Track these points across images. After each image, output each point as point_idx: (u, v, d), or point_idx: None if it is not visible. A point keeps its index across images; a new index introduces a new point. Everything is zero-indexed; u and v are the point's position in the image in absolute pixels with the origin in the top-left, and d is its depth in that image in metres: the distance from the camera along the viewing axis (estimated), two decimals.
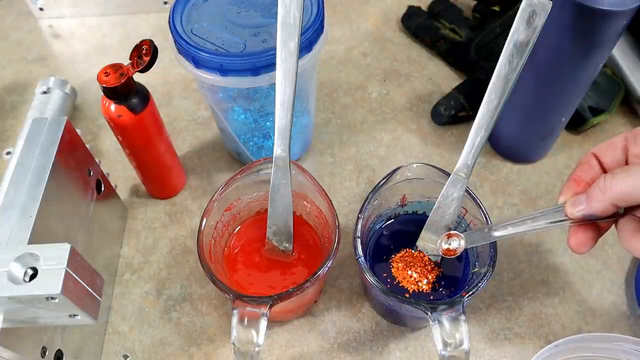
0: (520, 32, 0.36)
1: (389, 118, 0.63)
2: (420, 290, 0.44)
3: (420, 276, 0.45)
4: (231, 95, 0.49)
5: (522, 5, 0.35)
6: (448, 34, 0.67)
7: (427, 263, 0.45)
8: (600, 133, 0.60)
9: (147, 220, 0.55)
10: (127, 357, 0.46)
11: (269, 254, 0.47)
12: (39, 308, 0.31)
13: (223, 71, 0.43)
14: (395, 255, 0.46)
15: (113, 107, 0.45)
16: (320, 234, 0.47)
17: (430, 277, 0.45)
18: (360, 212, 0.42)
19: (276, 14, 0.37)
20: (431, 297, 0.44)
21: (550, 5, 0.35)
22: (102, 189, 0.48)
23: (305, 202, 0.47)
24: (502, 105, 0.37)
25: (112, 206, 0.52)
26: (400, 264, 0.45)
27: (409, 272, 0.45)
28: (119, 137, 0.48)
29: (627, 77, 0.60)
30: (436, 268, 0.45)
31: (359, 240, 0.41)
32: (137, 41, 0.45)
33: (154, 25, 0.75)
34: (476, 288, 0.38)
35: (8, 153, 0.60)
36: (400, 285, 0.45)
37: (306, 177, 0.44)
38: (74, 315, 0.33)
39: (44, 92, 0.61)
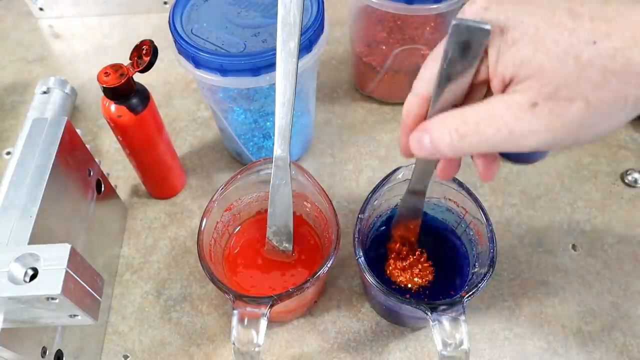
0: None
1: (389, 118, 0.63)
2: (420, 290, 0.44)
3: (420, 276, 0.45)
4: (231, 95, 0.49)
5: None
6: None
7: (427, 263, 0.45)
8: None
9: (147, 220, 0.55)
10: (127, 357, 0.46)
11: (269, 254, 0.47)
12: (39, 308, 0.31)
13: (223, 71, 0.43)
14: (396, 255, 0.46)
15: (113, 107, 0.45)
16: (320, 234, 0.47)
17: (430, 277, 0.45)
18: (360, 212, 0.42)
19: (276, 14, 0.37)
20: (431, 298, 0.44)
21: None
22: (102, 189, 0.48)
23: (305, 202, 0.47)
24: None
25: (112, 206, 0.52)
26: (400, 264, 0.45)
27: (409, 273, 0.45)
28: (119, 137, 0.48)
29: None
30: (436, 268, 0.45)
31: (359, 240, 0.41)
32: (137, 41, 0.45)
33: (154, 25, 0.75)
34: (476, 288, 0.38)
35: (8, 153, 0.60)
36: (400, 285, 0.45)
37: (306, 177, 0.44)
38: (74, 315, 0.33)
39: (44, 92, 0.61)
